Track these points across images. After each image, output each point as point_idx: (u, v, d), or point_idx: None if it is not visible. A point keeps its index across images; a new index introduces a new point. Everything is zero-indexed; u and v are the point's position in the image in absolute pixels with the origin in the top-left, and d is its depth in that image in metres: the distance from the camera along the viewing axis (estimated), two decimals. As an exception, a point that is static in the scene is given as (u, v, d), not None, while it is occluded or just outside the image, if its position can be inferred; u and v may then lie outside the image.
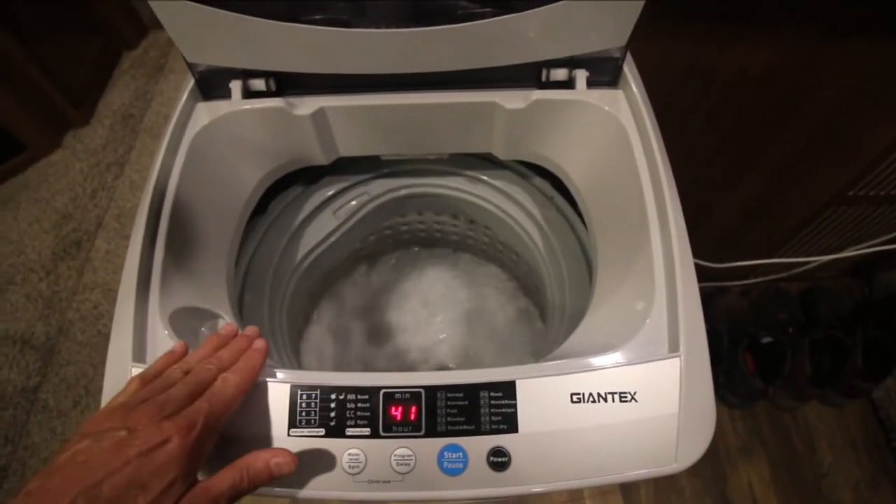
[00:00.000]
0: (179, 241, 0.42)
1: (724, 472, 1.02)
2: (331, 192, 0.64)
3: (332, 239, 0.64)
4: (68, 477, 0.25)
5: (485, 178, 0.65)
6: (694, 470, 1.01)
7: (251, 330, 0.39)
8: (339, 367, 0.69)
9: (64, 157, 1.56)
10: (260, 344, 0.37)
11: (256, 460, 0.31)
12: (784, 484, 1.01)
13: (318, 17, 0.42)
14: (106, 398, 0.35)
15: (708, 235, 0.95)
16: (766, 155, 0.77)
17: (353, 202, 0.64)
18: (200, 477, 0.30)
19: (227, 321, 0.43)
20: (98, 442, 0.27)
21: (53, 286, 1.33)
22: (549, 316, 0.60)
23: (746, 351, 1.02)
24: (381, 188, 0.65)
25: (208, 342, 0.37)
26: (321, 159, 0.53)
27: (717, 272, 0.97)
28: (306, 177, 0.63)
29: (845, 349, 0.98)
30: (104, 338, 1.26)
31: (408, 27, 0.42)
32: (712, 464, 1.03)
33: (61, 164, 1.55)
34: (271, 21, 0.42)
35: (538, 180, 0.63)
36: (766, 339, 1.01)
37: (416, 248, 0.80)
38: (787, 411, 1.07)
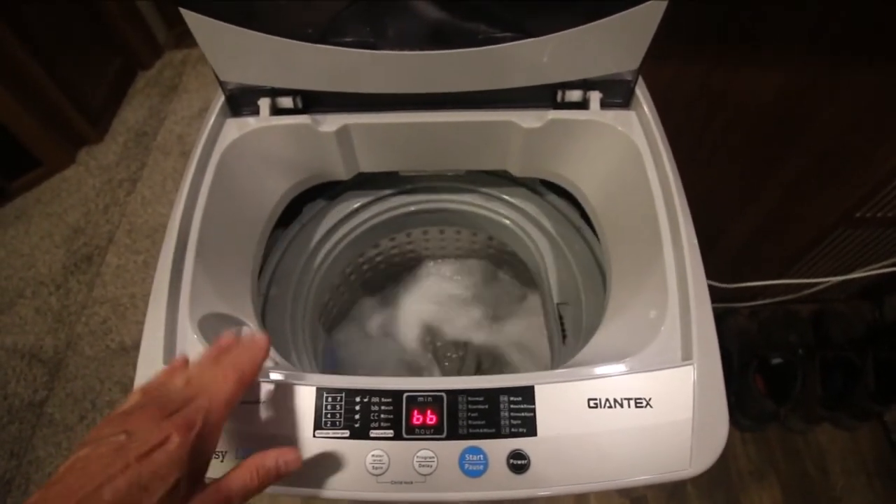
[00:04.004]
0: (208, 249, 0.44)
1: (736, 497, 1.01)
2: (355, 206, 0.66)
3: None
4: (68, 485, 0.25)
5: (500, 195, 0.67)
6: (707, 493, 1.00)
7: (252, 336, 0.37)
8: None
9: (77, 172, 1.60)
10: (261, 339, 0.36)
11: (266, 459, 0.31)
12: (796, 509, 1.00)
13: (345, 39, 0.45)
14: (136, 399, 0.36)
15: (717, 256, 0.96)
16: (775, 177, 0.78)
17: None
18: (211, 476, 0.30)
19: (250, 328, 0.44)
20: (97, 448, 0.26)
21: (63, 300, 1.35)
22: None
23: (757, 372, 1.02)
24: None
25: (208, 352, 0.35)
26: (342, 174, 0.55)
27: (726, 293, 0.98)
28: (328, 192, 0.65)
29: (856, 371, 0.97)
30: (112, 352, 1.27)
31: (431, 50, 0.45)
32: (725, 488, 1.01)
33: (74, 179, 1.58)
34: (301, 42, 0.44)
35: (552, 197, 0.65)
36: (776, 360, 1.01)
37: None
38: (799, 434, 1.06)
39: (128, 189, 1.56)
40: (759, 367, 1.02)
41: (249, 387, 0.33)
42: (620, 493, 0.99)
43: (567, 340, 0.59)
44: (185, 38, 1.89)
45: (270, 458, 0.31)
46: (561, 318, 0.60)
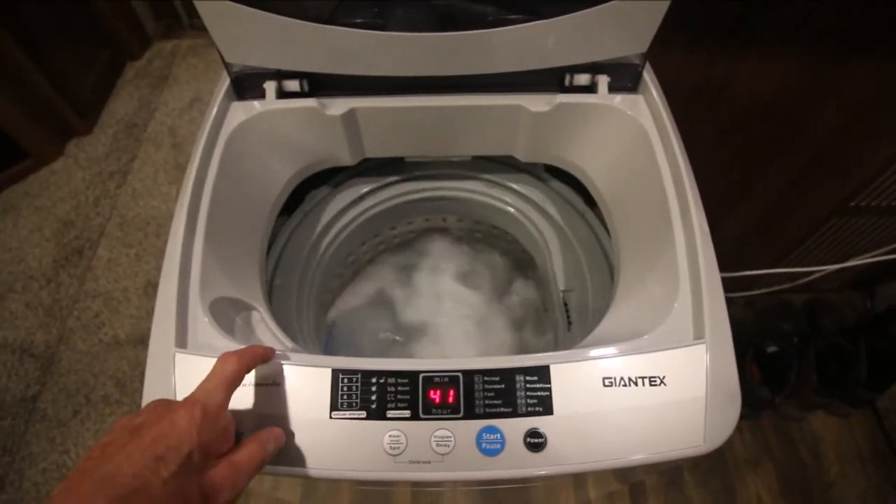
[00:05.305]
0: (217, 232, 0.43)
1: (732, 484, 1.02)
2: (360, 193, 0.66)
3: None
4: (86, 469, 0.26)
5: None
6: (703, 481, 1.02)
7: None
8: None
9: (66, 165, 1.56)
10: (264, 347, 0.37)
11: (262, 434, 0.32)
12: (792, 495, 1.01)
13: (353, 20, 0.44)
14: (149, 382, 0.36)
15: (714, 246, 0.97)
16: (773, 168, 0.79)
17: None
18: None
19: (260, 313, 0.44)
20: (111, 437, 0.28)
21: (54, 294, 1.33)
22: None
23: (752, 361, 1.03)
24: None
25: None
26: (348, 160, 0.55)
27: (723, 282, 0.99)
28: (333, 179, 0.65)
29: (850, 359, 0.99)
30: (105, 346, 1.25)
31: (439, 31, 0.44)
32: (721, 475, 1.03)
33: (63, 172, 1.55)
34: (309, 23, 0.44)
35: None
36: (771, 349, 1.03)
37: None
38: (794, 422, 1.08)
39: (118, 181, 1.54)
40: (755, 355, 1.04)
41: (248, 370, 0.34)
42: (618, 478, 1.00)
43: (572, 328, 0.59)
44: (174, 29, 1.86)
45: (266, 433, 0.33)
46: (566, 305, 0.60)
